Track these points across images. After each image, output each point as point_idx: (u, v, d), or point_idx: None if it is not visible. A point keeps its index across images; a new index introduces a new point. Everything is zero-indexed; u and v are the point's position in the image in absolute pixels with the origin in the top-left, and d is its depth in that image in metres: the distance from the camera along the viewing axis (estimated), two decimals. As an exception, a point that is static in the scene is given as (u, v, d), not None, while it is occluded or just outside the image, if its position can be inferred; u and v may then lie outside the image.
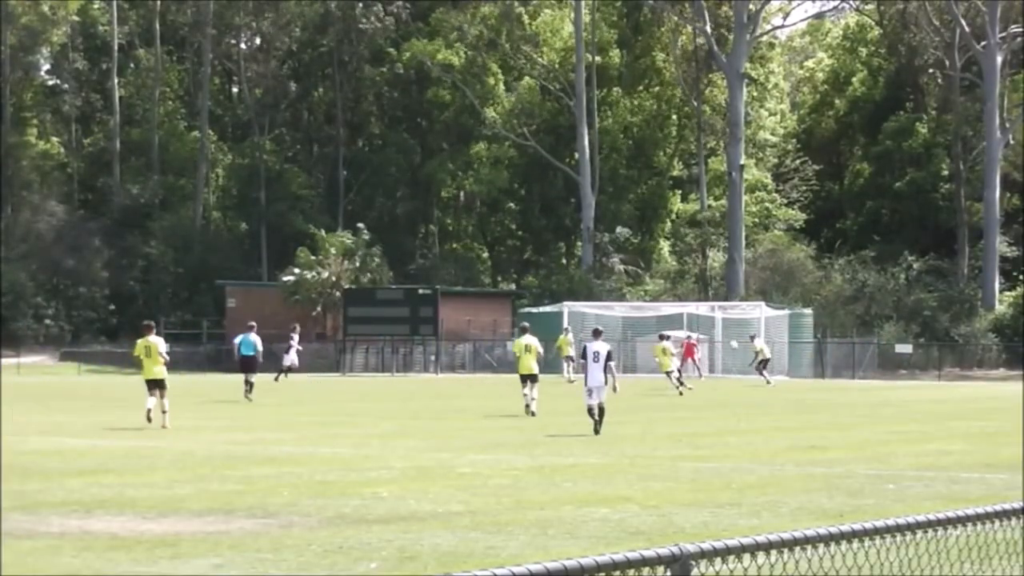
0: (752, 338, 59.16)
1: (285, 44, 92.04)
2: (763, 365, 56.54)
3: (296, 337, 56.62)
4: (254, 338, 43.76)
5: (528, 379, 35.05)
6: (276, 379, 53.35)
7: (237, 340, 45.40)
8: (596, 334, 31.68)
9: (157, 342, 31.95)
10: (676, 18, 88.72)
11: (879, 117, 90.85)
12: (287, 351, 56.03)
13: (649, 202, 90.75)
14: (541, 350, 37.13)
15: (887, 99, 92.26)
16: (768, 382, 54.92)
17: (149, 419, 30.88)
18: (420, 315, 69.82)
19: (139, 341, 32.33)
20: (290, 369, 55.55)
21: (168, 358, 31.89)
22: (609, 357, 29.67)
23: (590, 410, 29.12)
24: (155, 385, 31.26)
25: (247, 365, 43.88)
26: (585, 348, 30.55)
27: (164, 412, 30.85)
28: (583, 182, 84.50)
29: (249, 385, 42.94)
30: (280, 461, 22.95)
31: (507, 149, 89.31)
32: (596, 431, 28.63)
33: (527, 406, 34.78)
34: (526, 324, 38.54)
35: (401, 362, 70.60)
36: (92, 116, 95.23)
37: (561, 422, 32.24)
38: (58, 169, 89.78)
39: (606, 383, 29.39)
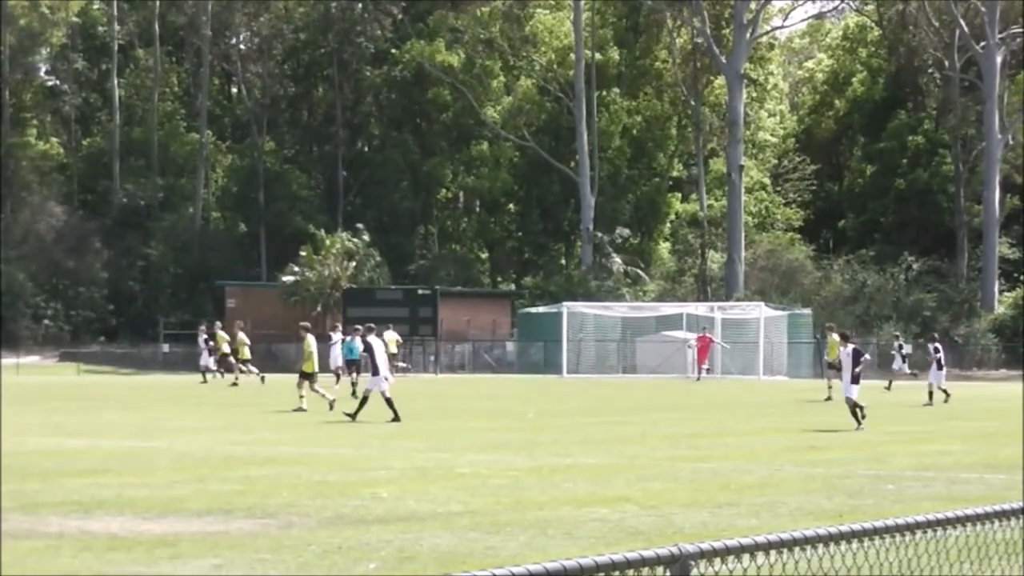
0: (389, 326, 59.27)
1: (283, 44, 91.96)
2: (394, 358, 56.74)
3: (204, 338, 56.23)
4: (357, 342, 45.45)
5: (312, 376, 37.19)
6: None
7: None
8: (369, 330, 34.15)
9: None
10: (673, 20, 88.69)
11: (879, 117, 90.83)
12: (203, 352, 56.02)
13: (649, 203, 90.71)
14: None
15: (887, 99, 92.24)
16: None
17: None
18: (419, 315, 69.77)
19: None
20: (207, 370, 55.42)
21: None
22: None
23: (365, 397, 32.02)
24: None
25: (350, 367, 46.53)
26: (371, 343, 32.88)
27: None
28: (582, 183, 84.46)
29: (353, 386, 44.34)
30: (280, 461, 22.93)
31: (507, 150, 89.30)
32: (396, 419, 30.93)
33: (331, 400, 36.47)
34: (307, 324, 39.87)
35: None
36: (92, 116, 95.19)
37: (560, 422, 32.25)
38: (58, 170, 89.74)
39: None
